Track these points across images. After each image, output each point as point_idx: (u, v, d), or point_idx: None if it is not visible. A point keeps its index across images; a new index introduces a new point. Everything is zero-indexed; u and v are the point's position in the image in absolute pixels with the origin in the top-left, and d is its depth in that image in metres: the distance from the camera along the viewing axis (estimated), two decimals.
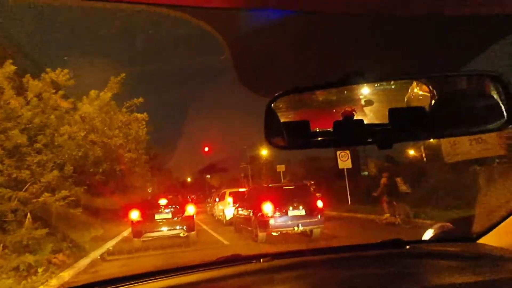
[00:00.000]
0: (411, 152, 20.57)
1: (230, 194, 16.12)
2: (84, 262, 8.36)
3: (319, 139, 1.55)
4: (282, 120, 1.47)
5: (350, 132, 1.43)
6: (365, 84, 1.61)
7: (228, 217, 14.99)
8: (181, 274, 1.70)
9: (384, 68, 1.63)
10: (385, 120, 1.38)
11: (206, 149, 27.15)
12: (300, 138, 1.47)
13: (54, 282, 6.21)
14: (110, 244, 11.25)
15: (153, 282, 1.63)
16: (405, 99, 1.59)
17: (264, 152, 32.32)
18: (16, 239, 6.65)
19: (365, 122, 1.51)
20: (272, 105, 1.41)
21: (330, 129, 1.43)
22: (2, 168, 7.42)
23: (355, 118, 1.51)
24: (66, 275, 6.97)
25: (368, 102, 1.65)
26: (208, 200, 24.52)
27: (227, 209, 15.33)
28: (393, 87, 1.63)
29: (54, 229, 8.49)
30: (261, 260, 1.77)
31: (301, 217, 9.69)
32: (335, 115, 1.56)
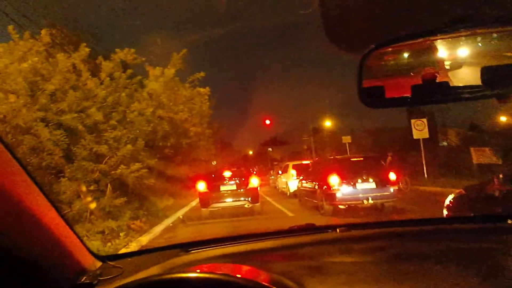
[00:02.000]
0: (502, 119, 18.09)
1: (293, 166, 16.06)
2: (158, 229, 8.96)
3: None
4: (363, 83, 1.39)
5: (432, 95, 1.32)
6: (460, 40, 1.42)
7: (291, 190, 15.03)
8: (255, 240, 1.69)
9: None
10: (476, 82, 1.24)
11: (268, 121, 27.15)
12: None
13: (134, 245, 6.80)
14: (180, 213, 11.98)
15: (228, 246, 1.63)
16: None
17: (328, 123, 31.43)
18: (100, 206, 7.37)
19: (451, 85, 1.36)
20: (365, 61, 1.34)
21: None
22: (84, 143, 8.14)
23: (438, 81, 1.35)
24: (144, 239, 7.54)
25: (455, 64, 1.46)
26: (271, 172, 24.77)
27: (291, 181, 15.35)
28: (491, 42, 1.39)
29: (131, 198, 9.24)
30: (338, 230, 1.71)
31: (371, 190, 9.23)
32: (413, 79, 1.42)
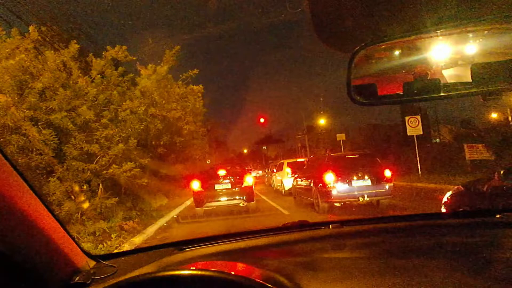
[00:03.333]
0: (494, 116, 18.23)
1: (288, 164, 15.99)
2: (152, 229, 8.83)
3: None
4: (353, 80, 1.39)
5: (424, 92, 1.33)
6: (449, 37, 1.42)
7: (287, 188, 14.97)
8: (249, 238, 1.69)
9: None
10: (467, 79, 1.26)
11: (262, 120, 27.07)
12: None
13: (126, 246, 6.64)
14: (175, 212, 11.84)
15: (222, 244, 1.63)
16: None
17: (322, 121, 31.44)
18: (91, 207, 7.19)
19: (442, 82, 1.36)
20: (355, 59, 1.35)
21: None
22: (74, 143, 7.94)
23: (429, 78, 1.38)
24: (137, 240, 7.40)
25: (447, 62, 1.47)
26: (266, 170, 24.68)
27: (286, 179, 15.29)
28: (481, 40, 1.41)
29: (124, 199, 9.07)
30: (330, 226, 1.73)
31: (366, 187, 9.18)
32: (405, 76, 1.46)
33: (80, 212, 7.13)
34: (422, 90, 1.33)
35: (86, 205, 7.68)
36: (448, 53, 1.45)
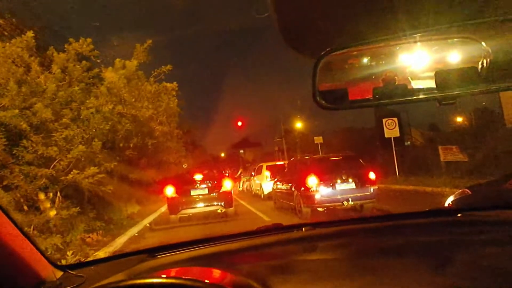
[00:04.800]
0: (459, 120, 18.90)
1: (267, 167, 15.51)
2: (121, 240, 8.10)
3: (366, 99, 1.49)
4: (321, 86, 1.43)
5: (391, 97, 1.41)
6: (415, 45, 1.45)
7: (266, 192, 14.45)
8: (223, 242, 1.68)
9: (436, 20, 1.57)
10: (431, 85, 1.35)
11: (239, 123, 26.53)
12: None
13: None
14: (147, 221, 11.03)
15: (196, 249, 1.61)
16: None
17: (299, 124, 31.31)
18: (43, 220, 6.21)
19: (409, 87, 1.46)
20: (319, 64, 1.38)
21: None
22: (27, 145, 6.95)
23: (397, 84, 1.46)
24: (102, 254, 6.59)
25: (414, 70, 1.52)
26: (241, 174, 24.12)
27: (265, 183, 14.79)
28: (443, 47, 1.47)
29: (87, 208, 8.14)
30: (303, 229, 1.75)
31: (350, 190, 8.72)
32: (374, 82, 1.50)
33: (32, 226, 6.14)
34: (390, 94, 1.41)
35: (54, 212, 6.72)
36: (414, 60, 1.50)
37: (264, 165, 16.19)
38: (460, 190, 4.73)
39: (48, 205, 6.85)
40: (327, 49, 1.38)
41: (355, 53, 1.52)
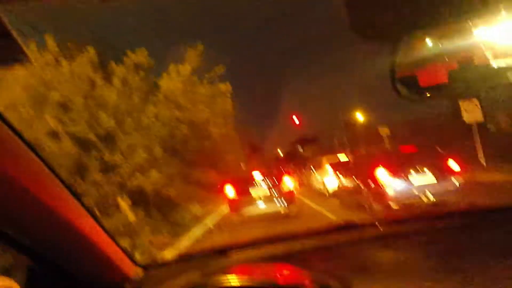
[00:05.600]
0: None
1: (328, 160, 14.83)
2: (187, 243, 8.22)
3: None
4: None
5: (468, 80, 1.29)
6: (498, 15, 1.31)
7: (330, 189, 13.69)
8: (295, 240, 1.67)
9: None
10: None
11: (296, 120, 26.12)
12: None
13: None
14: (209, 221, 11.18)
15: (268, 248, 1.61)
16: None
17: (359, 116, 29.97)
18: (112, 224, 6.54)
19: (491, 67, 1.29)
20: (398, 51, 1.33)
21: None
22: (96, 155, 7.41)
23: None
24: (169, 254, 6.74)
25: (492, 45, 1.32)
26: (303, 170, 23.67)
27: (329, 179, 14.08)
28: None
29: (152, 211, 8.46)
30: (379, 226, 1.68)
31: (429, 185, 7.72)
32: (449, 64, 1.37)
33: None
34: (468, 77, 1.31)
35: (133, 217, 7.10)
36: (498, 34, 1.31)
37: (325, 160, 15.51)
38: None
39: (127, 209, 7.23)
40: (404, 36, 1.32)
41: (423, 36, 1.43)
